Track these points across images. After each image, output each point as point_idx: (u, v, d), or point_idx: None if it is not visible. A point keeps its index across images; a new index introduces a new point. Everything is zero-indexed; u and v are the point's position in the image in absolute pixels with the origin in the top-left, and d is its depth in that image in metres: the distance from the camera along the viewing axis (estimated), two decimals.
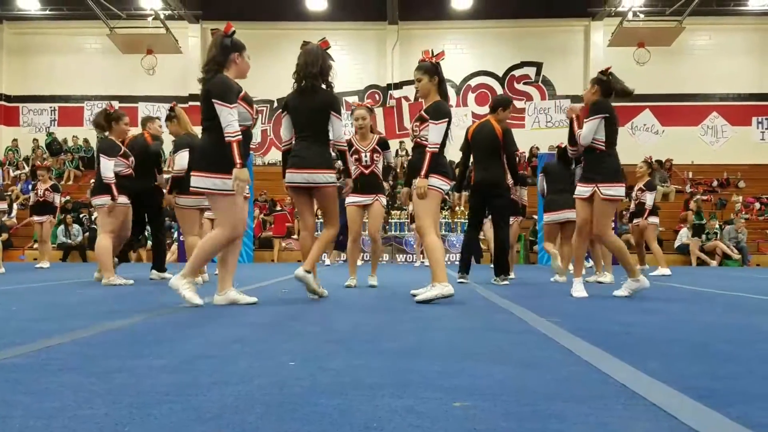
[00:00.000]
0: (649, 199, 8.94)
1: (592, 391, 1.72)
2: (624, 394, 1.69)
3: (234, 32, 4.10)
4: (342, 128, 4.63)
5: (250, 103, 4.04)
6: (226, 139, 3.81)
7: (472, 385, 1.78)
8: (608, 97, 5.09)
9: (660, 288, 6.51)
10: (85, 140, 19.50)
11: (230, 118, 3.82)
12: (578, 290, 5.04)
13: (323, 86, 4.51)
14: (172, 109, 6.64)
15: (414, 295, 4.46)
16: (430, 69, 4.42)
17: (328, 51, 4.54)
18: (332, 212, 4.71)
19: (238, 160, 3.80)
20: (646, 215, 8.94)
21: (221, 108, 3.82)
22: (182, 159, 6.22)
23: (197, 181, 3.96)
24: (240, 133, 3.85)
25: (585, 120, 4.95)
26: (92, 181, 10.29)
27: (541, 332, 2.89)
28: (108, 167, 6.29)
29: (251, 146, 4.52)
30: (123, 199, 6.41)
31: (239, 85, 4.02)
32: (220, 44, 4.03)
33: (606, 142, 4.92)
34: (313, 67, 4.43)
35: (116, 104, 20.69)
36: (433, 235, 4.37)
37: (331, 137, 4.57)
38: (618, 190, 4.91)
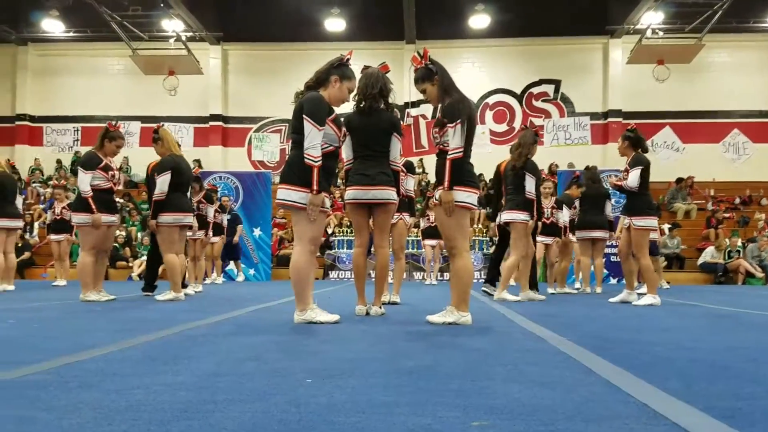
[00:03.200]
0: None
1: (612, 411, 1.69)
2: (645, 414, 1.66)
3: (349, 59, 4.20)
4: (399, 149, 4.76)
5: (339, 126, 4.10)
6: (306, 161, 3.87)
7: (490, 404, 1.76)
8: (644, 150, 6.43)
9: (680, 306, 6.42)
10: None
11: (315, 140, 3.88)
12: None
13: (382, 107, 4.66)
14: (156, 131, 6.68)
15: (430, 322, 4.13)
16: (426, 74, 4.17)
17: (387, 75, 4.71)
18: (387, 229, 4.89)
19: (315, 186, 3.87)
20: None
21: (309, 126, 3.88)
22: (163, 183, 6.30)
23: (284, 193, 3.98)
24: (321, 158, 3.90)
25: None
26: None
27: (560, 350, 2.86)
28: (84, 180, 6.36)
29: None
30: (108, 217, 6.45)
31: (332, 107, 4.09)
32: (330, 63, 4.16)
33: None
34: (374, 89, 4.58)
35: (137, 124, 21.03)
36: (467, 257, 4.11)
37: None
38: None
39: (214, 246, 11.38)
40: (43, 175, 20.40)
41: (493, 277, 7.82)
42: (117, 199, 6.79)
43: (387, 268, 4.93)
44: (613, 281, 13.28)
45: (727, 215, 17.88)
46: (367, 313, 4.72)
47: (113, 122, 6.71)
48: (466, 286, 4.08)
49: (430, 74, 4.16)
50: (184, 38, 18.89)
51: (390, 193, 4.62)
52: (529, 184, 6.79)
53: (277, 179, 20.19)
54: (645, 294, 6.40)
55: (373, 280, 4.91)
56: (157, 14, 18.29)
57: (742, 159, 19.97)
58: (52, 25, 19.71)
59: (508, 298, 6.78)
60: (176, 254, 6.52)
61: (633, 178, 6.26)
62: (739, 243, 15.50)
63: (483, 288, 7.87)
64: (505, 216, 6.93)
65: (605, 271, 13.01)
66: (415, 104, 19.83)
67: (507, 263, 6.98)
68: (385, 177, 4.61)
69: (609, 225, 8.84)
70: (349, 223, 13.77)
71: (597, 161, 16.97)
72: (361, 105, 4.66)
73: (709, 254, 15.40)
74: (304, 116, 3.90)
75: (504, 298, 6.75)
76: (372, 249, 5.09)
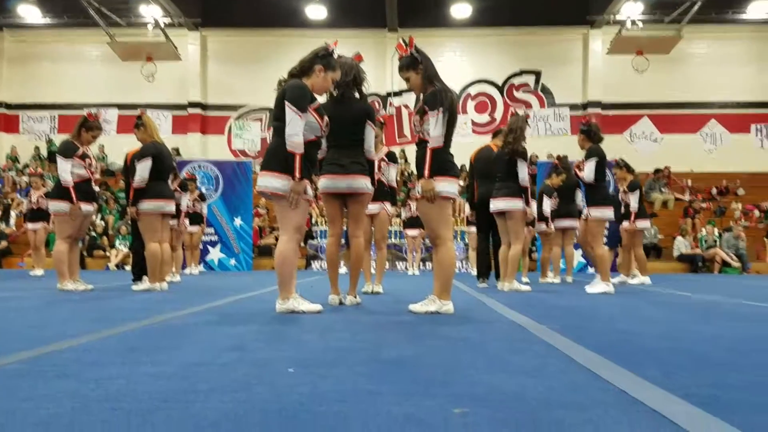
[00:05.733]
0: (632, 200, 8.55)
1: (592, 398, 1.71)
2: (624, 401, 1.68)
3: (334, 50, 4.17)
4: (373, 138, 4.73)
5: (321, 116, 4.05)
6: (288, 148, 3.84)
7: (473, 392, 1.77)
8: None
9: (660, 296, 6.50)
10: None
11: (297, 126, 3.84)
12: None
13: (356, 95, 4.65)
14: (139, 117, 6.55)
15: (412, 311, 4.13)
16: (411, 62, 4.13)
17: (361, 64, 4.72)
18: (364, 218, 4.87)
19: (297, 173, 3.84)
20: (633, 219, 8.56)
21: (291, 113, 3.84)
22: (144, 169, 6.18)
23: (265, 181, 3.94)
24: (303, 145, 3.87)
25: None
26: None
27: (542, 340, 2.88)
28: (65, 169, 6.28)
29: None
30: (86, 207, 6.38)
31: (314, 96, 4.06)
32: (315, 52, 4.11)
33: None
34: (347, 77, 4.57)
35: (115, 112, 20.79)
36: (450, 247, 4.11)
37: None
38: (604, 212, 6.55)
39: (193, 235, 11.29)
40: (19, 163, 20.08)
41: (485, 271, 7.49)
42: (94, 188, 6.67)
43: (362, 257, 4.89)
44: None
45: (704, 205, 18.14)
46: (341, 303, 4.72)
47: (93, 112, 6.58)
48: (449, 275, 4.10)
49: (414, 63, 4.12)
50: (162, 24, 18.62)
51: (364, 183, 4.59)
52: (522, 171, 6.58)
53: (258, 168, 20.19)
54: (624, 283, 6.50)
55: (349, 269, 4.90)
56: (135, 0, 18.01)
57: (719, 149, 20.22)
58: (28, 12, 19.34)
59: (521, 288, 6.54)
60: (160, 243, 6.42)
61: (588, 171, 6.46)
62: (716, 233, 15.73)
63: (480, 285, 7.34)
64: (500, 204, 6.59)
65: (582, 260, 13.13)
66: (398, 94, 19.79)
67: (512, 252, 6.59)
68: (359, 166, 4.58)
69: (579, 214, 8.87)
70: None
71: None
72: (335, 93, 4.64)
73: (682, 245, 15.59)
74: (286, 102, 3.87)
75: (517, 289, 6.48)
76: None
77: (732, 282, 10.51)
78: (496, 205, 6.66)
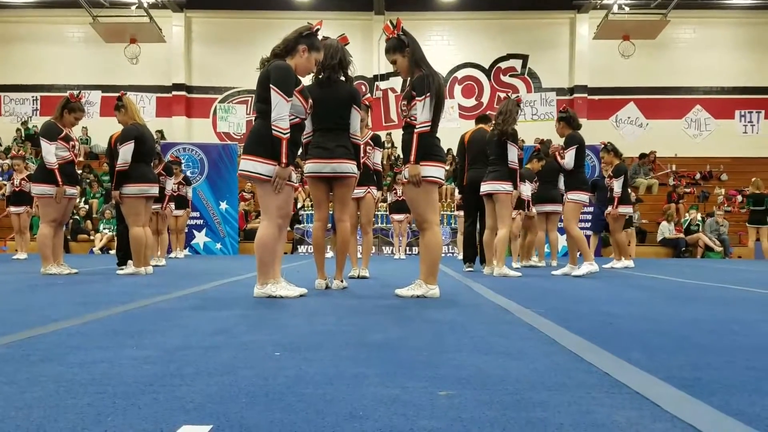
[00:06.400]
0: (616, 185, 8.57)
1: (575, 380, 1.73)
2: (607, 383, 1.70)
3: (318, 30, 4.11)
4: (359, 122, 4.70)
5: (306, 98, 4.00)
6: (274, 133, 3.79)
7: (458, 374, 1.78)
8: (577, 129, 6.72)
9: (643, 279, 6.57)
10: None
11: (283, 111, 3.79)
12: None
13: (342, 78, 4.60)
14: (120, 99, 6.45)
15: (398, 296, 4.16)
16: (397, 45, 4.11)
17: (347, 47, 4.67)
18: (350, 203, 4.85)
19: (283, 159, 3.80)
20: (615, 204, 8.58)
21: (277, 97, 3.79)
22: (126, 152, 6.11)
23: (249, 165, 3.88)
24: (289, 130, 3.83)
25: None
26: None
27: (526, 322, 2.91)
28: (49, 151, 6.22)
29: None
30: (70, 190, 6.34)
31: (299, 78, 4.01)
32: (298, 31, 4.05)
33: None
34: (333, 59, 4.52)
35: (98, 94, 20.47)
36: (437, 231, 4.12)
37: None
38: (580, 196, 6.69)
39: (179, 219, 11.22)
40: (1, 146, 19.80)
41: (471, 255, 7.53)
42: (77, 171, 6.61)
43: (348, 241, 4.89)
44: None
45: (687, 190, 18.28)
46: (327, 287, 4.72)
47: (76, 93, 6.49)
48: (435, 259, 4.11)
49: (401, 45, 4.10)
50: (145, 5, 18.35)
51: (350, 167, 4.57)
52: (512, 153, 6.58)
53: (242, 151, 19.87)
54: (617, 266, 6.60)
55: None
56: None
57: (704, 135, 20.38)
58: None
59: (510, 273, 6.44)
60: (143, 227, 6.37)
61: (569, 159, 6.63)
62: (699, 217, 15.88)
63: (466, 269, 7.40)
64: (487, 187, 6.64)
65: (565, 244, 13.21)
66: (385, 77, 19.70)
67: (500, 236, 6.55)
68: (344, 150, 4.55)
69: (562, 198, 8.90)
70: None
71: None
72: (320, 76, 4.59)
73: (666, 230, 15.72)
74: (271, 86, 3.82)
75: (506, 274, 6.40)
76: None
77: (713, 266, 10.63)
78: (484, 187, 6.73)
